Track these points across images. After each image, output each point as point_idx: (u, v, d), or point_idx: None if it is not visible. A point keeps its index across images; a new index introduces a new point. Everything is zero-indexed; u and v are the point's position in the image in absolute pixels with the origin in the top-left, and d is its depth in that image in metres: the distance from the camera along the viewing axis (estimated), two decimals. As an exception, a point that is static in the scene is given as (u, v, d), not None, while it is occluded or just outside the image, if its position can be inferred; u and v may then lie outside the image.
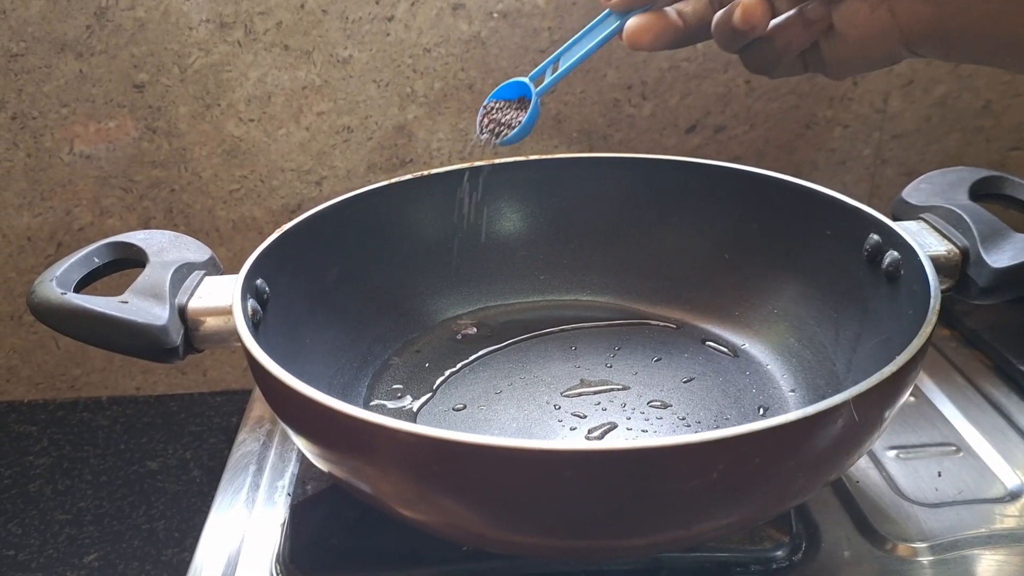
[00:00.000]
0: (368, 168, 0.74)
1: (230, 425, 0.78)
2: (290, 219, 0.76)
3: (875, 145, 0.77)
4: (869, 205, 0.73)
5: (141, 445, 0.76)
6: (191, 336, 0.46)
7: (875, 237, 0.50)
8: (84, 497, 0.71)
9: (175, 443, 0.76)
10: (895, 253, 0.49)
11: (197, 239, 0.75)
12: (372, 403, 0.52)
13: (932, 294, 0.43)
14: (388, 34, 0.69)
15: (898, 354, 0.38)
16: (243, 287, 0.45)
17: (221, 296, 0.47)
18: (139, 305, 0.44)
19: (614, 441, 0.48)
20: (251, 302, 0.46)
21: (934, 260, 0.47)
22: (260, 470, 0.53)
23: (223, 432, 0.78)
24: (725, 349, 0.56)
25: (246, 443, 0.55)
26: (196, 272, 0.49)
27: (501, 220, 0.63)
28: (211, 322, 0.46)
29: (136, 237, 0.50)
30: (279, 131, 0.72)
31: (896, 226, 0.50)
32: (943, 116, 0.76)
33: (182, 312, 0.46)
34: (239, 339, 0.42)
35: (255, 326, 0.46)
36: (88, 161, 0.72)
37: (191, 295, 0.47)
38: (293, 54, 0.70)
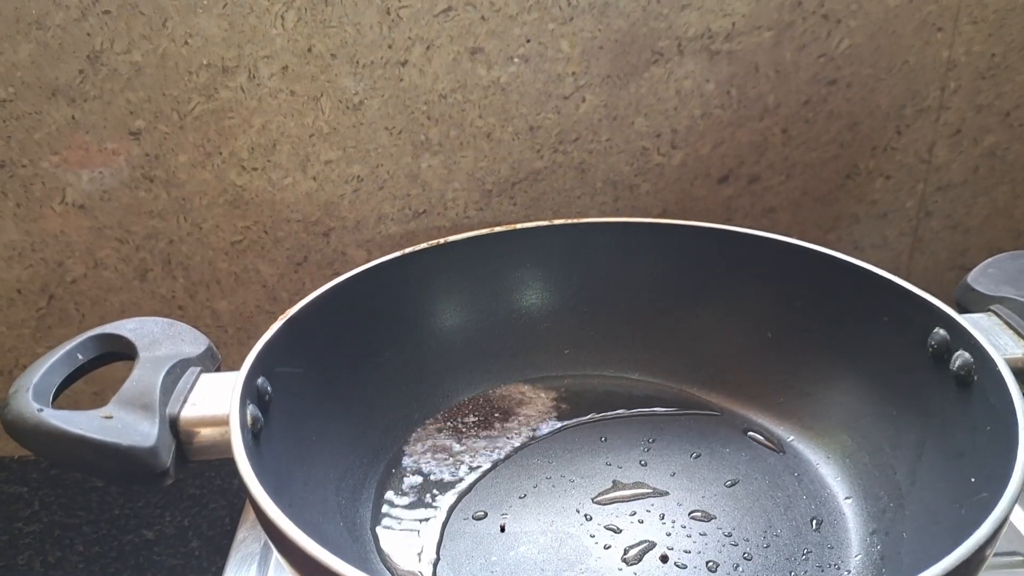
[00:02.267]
0: (379, 219, 0.68)
1: (232, 488, 0.73)
2: (296, 272, 0.71)
3: (919, 197, 0.72)
4: (911, 259, 0.67)
5: (137, 511, 0.71)
6: (184, 450, 0.41)
7: (941, 332, 0.45)
8: (75, 571, 0.66)
9: (173, 508, 0.71)
10: (966, 355, 0.43)
11: (196, 290, 0.71)
12: (384, 516, 0.46)
13: (1018, 415, 0.37)
14: (401, 79, 0.64)
15: (975, 476, 0.32)
16: (242, 393, 0.40)
17: (218, 400, 0.42)
18: (125, 420, 0.39)
19: None
20: (251, 409, 0.41)
21: (1011, 365, 0.41)
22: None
23: (224, 496, 0.72)
24: (770, 443, 0.51)
25: (246, 543, 0.50)
26: (191, 370, 0.43)
27: (523, 289, 0.57)
28: (206, 434, 0.41)
29: (126, 328, 0.45)
30: (284, 180, 0.66)
31: (965, 322, 0.44)
32: (992, 167, 0.70)
33: (174, 424, 0.40)
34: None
35: (255, 437, 0.40)
36: (81, 211, 0.67)
37: (184, 402, 0.41)
38: (300, 100, 0.64)
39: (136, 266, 0.69)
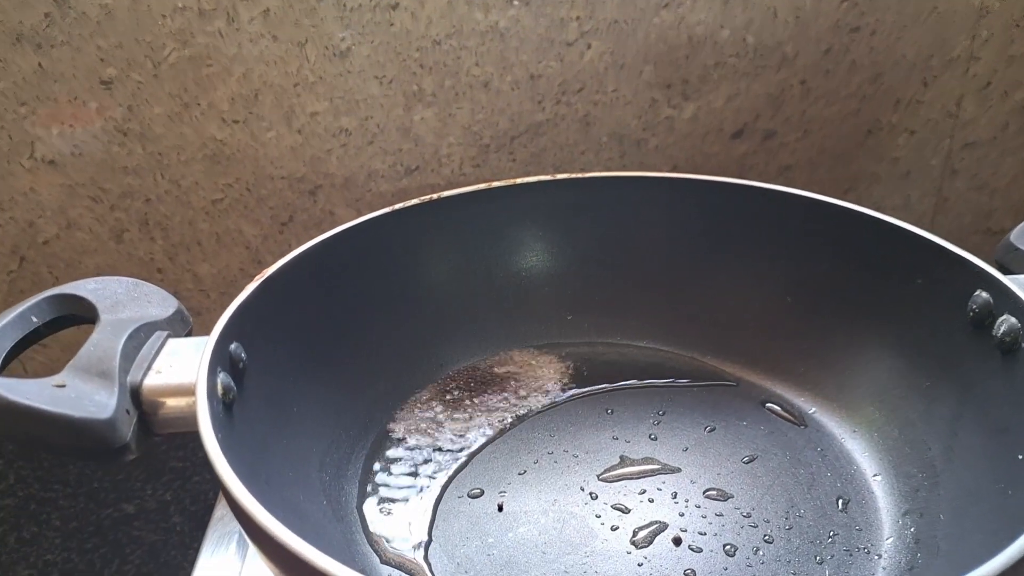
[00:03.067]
0: (368, 176, 0.64)
1: (216, 460, 0.69)
2: (281, 232, 0.67)
3: (944, 155, 0.67)
4: (933, 222, 0.63)
5: (117, 484, 0.67)
6: (147, 422, 0.37)
7: (983, 295, 0.41)
8: (51, 548, 0.62)
9: (154, 482, 0.67)
10: (1012, 320, 0.39)
11: (176, 252, 0.67)
12: (372, 494, 0.42)
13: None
14: (392, 24, 0.59)
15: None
16: (212, 360, 0.36)
17: (186, 368, 0.38)
18: (79, 389, 0.34)
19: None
20: (222, 377, 0.36)
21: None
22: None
23: (209, 468, 0.68)
24: (790, 416, 0.47)
25: (224, 521, 0.46)
26: (157, 334, 0.39)
27: (522, 250, 0.53)
28: (172, 404, 0.37)
29: (86, 288, 0.40)
30: (267, 134, 0.62)
31: (1012, 284, 0.39)
32: (1023, 124, 0.66)
33: (136, 393, 0.36)
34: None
35: (227, 408, 0.36)
36: (52, 167, 0.62)
37: (148, 369, 0.37)
38: (283, 46, 0.59)
39: (112, 227, 0.65)
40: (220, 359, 0.37)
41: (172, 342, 0.39)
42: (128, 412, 0.35)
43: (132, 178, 0.63)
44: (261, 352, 0.40)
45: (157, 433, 0.37)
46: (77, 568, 0.60)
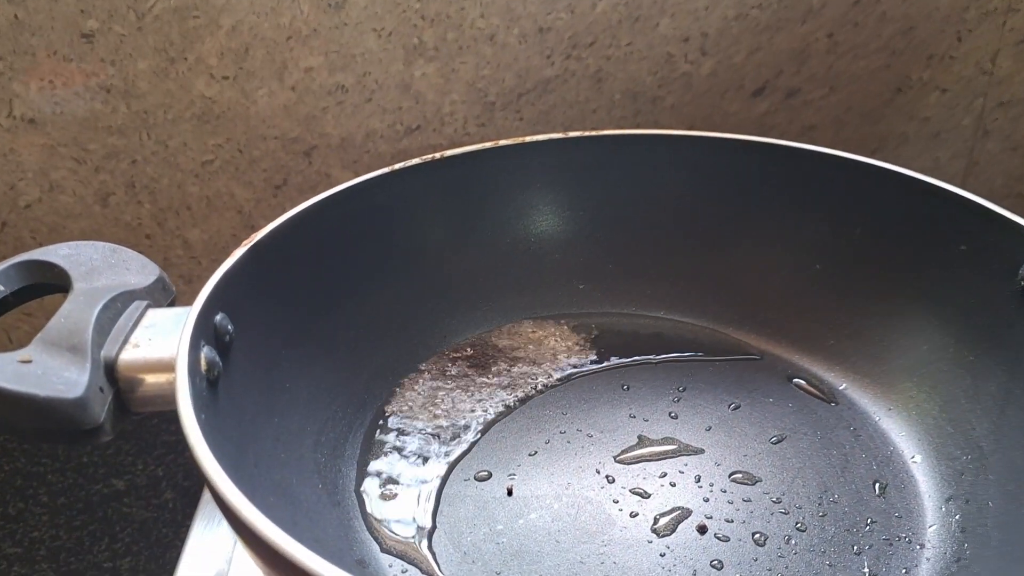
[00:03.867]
0: (367, 136, 0.60)
1: (210, 434, 0.66)
2: (275, 196, 0.63)
3: (977, 114, 0.63)
4: (963, 185, 0.59)
5: (107, 458, 0.64)
6: (124, 400, 0.33)
7: (1036, 262, 0.37)
8: (38, 524, 0.59)
9: (146, 456, 0.64)
10: (1070, 289, 0.35)
11: (164, 217, 0.63)
12: (371, 477, 0.39)
13: None
14: (392, -28, 0.54)
15: None
16: (194, 333, 0.32)
17: (167, 341, 0.34)
18: (47, 365, 0.31)
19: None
20: (206, 351, 0.33)
21: None
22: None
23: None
24: (819, 392, 0.43)
25: (213, 504, 0.43)
26: (136, 304, 0.35)
27: (531, 214, 0.49)
28: (152, 381, 0.33)
29: (58, 254, 0.37)
30: (259, 91, 0.58)
31: (1070, 250, 0.36)
32: (1062, 80, 0.62)
33: (110, 369, 0.33)
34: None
35: (211, 385, 0.33)
36: (32, 126, 0.58)
37: (124, 342, 0.34)
38: (275, -4, 0.55)
39: (96, 189, 0.61)
40: (204, 331, 0.33)
41: (152, 313, 0.35)
42: (102, 390, 0.32)
43: (117, 138, 0.59)
44: (249, 324, 0.37)
45: (136, 412, 0.34)
46: (65, 546, 0.57)
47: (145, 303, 0.36)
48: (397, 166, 0.45)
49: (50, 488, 0.62)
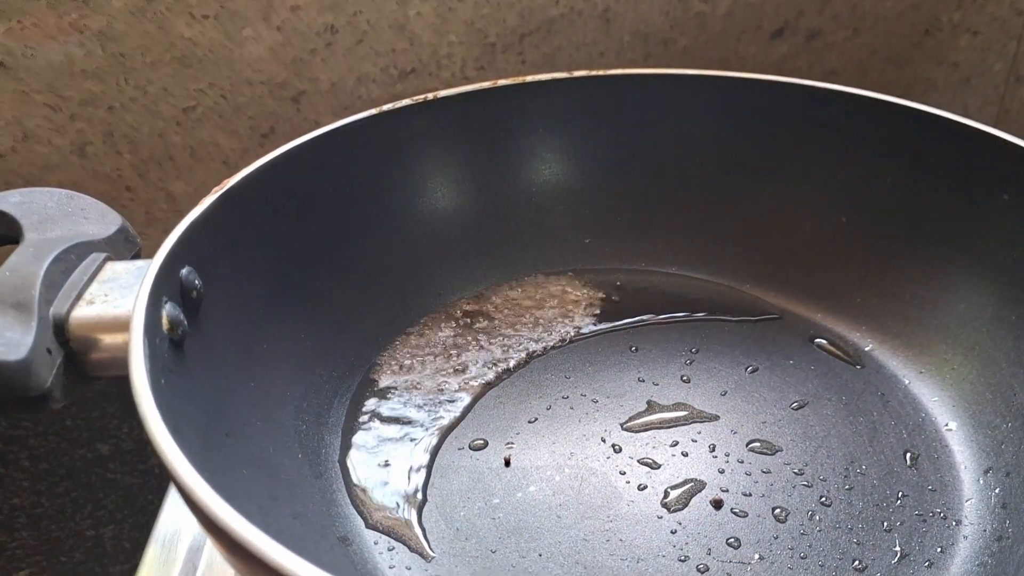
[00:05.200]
0: (358, 80, 0.56)
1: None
2: (262, 145, 0.59)
3: (1010, 59, 0.58)
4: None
5: (92, 421, 0.60)
6: (78, 363, 0.30)
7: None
8: (19, 491, 0.57)
9: (131, 419, 0.61)
10: None
11: (146, 168, 0.59)
12: (357, 446, 0.36)
13: None
14: (383, -100, 0.50)
15: None
16: (153, 287, 0.28)
17: (127, 297, 0.31)
18: (-13, 324, 0.27)
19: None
20: (168, 308, 0.29)
21: None
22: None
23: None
24: (843, 354, 0.39)
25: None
26: (93, 256, 0.32)
27: (534, 163, 0.45)
28: (109, 342, 0.30)
29: (8, 201, 0.33)
30: (243, 32, 0.53)
31: None
32: (1104, 21, 0.57)
33: (60, 328, 0.29)
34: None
35: (175, 346, 0.29)
36: (2, 71, 0.54)
37: (77, 298, 0.30)
38: (257, -73, 0.50)
39: (73, 139, 0.57)
40: (166, 286, 0.30)
41: (111, 266, 0.32)
42: (50, 352, 0.28)
43: (93, 83, 0.55)
44: (222, 279, 0.33)
45: (94, 376, 0.30)
46: (47, 513, 0.54)
47: (104, 255, 0.32)
48: (385, 107, 0.41)
49: (32, 453, 0.59)
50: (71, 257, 0.31)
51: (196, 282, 0.31)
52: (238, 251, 0.34)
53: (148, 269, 0.29)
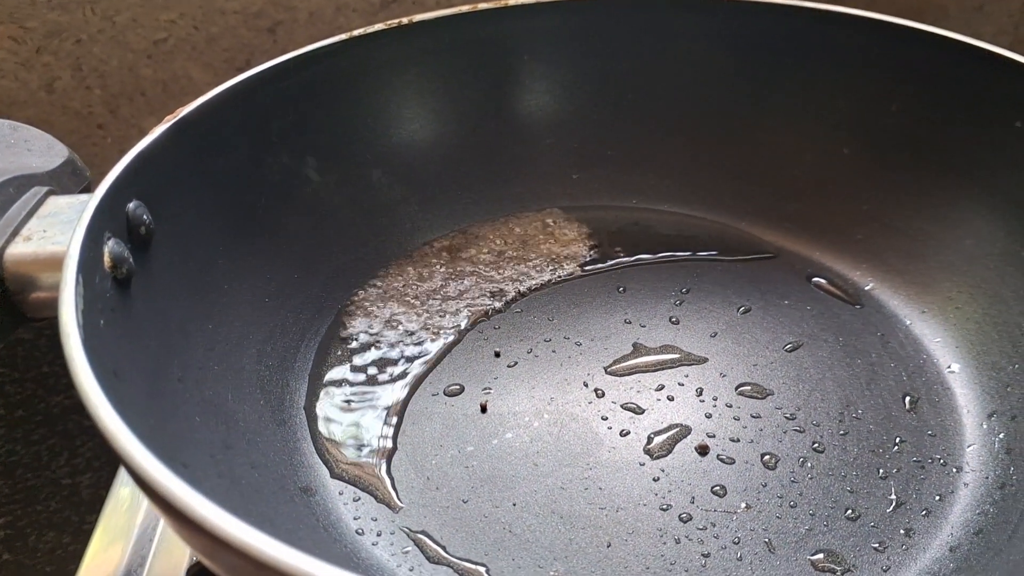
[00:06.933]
0: (337, 9, 0.53)
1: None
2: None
3: (1030, -19, 0.55)
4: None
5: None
6: (14, 302, 0.28)
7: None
8: (-5, 438, 0.55)
9: (111, 365, 0.59)
10: None
11: (117, 104, 0.57)
12: (325, 391, 0.34)
13: None
14: None
15: None
16: (91, 224, 0.26)
17: (68, 233, 0.28)
18: (-87, 261, 0.25)
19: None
20: (111, 244, 0.27)
21: None
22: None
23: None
24: (842, 293, 0.37)
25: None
26: (35, 190, 0.30)
27: (519, 92, 0.42)
28: (48, 280, 0.28)
29: (-56, 131, 0.31)
30: (213, -43, 0.50)
31: None
32: None
33: (-5, 265, 0.27)
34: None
35: (121, 284, 0.27)
36: (-41, -1, 0.52)
37: (13, 234, 0.28)
38: None
39: (40, 73, 0.55)
40: (109, 221, 0.28)
41: (53, 200, 0.30)
42: (-18, 291, 0.26)
43: (58, 14, 0.52)
44: (174, 214, 0.31)
45: (33, 317, 0.28)
46: (22, 461, 0.53)
47: (46, 189, 0.30)
48: (356, 32, 0.38)
49: (7, 399, 0.58)
50: (9, 190, 0.29)
51: (145, 217, 0.29)
52: (193, 184, 0.32)
53: (88, 203, 0.27)
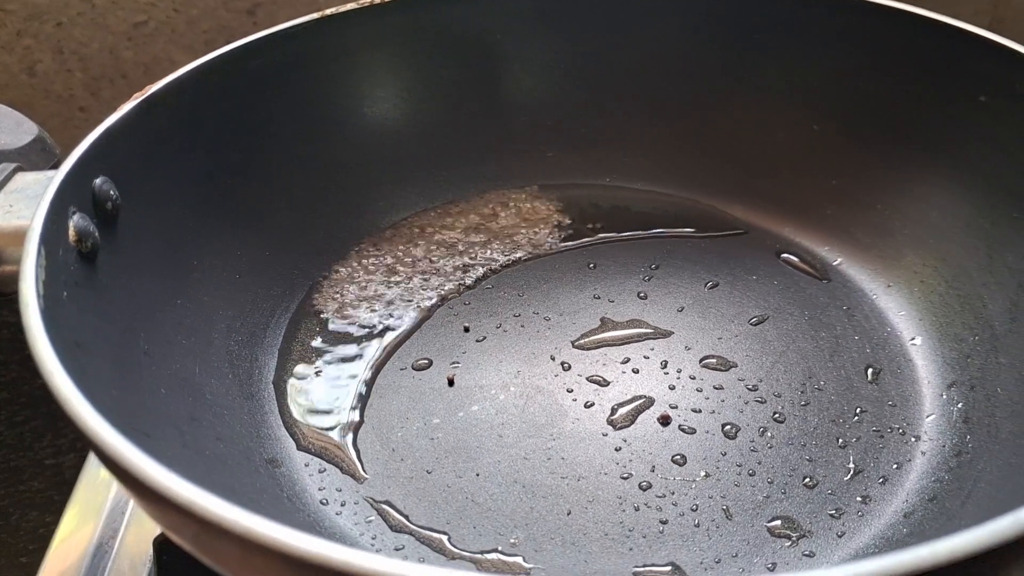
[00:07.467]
0: (318, -9, 0.53)
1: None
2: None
3: (1008, -41, 0.55)
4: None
5: (54, 350, 0.59)
6: (-18, 277, 0.28)
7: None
8: (-20, 419, 0.56)
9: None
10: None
11: (99, 87, 0.57)
12: (294, 365, 0.34)
13: None
14: None
15: None
16: (56, 198, 0.27)
17: (33, 208, 0.29)
18: None
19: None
20: (76, 219, 0.28)
21: None
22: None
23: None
24: (810, 268, 0.38)
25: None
26: (3, 167, 0.30)
27: (494, 70, 0.42)
28: (15, 254, 0.28)
29: (-86, 109, 0.31)
30: (191, -61, 0.51)
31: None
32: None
33: (-40, 240, 0.28)
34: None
35: (86, 259, 0.28)
36: (-62, -18, 0.52)
37: (-20, 209, 0.28)
38: None
39: (21, 56, 0.55)
40: (75, 196, 0.28)
41: (21, 176, 0.30)
42: (-54, 265, 0.27)
43: (37, -4, 0.52)
44: (143, 190, 0.31)
45: (1, 292, 0.29)
46: (5, 442, 0.53)
47: (14, 166, 0.30)
48: (328, 11, 0.38)
49: (-6, 381, 0.58)
50: (-24, 166, 0.29)
51: (112, 193, 0.30)
52: (162, 161, 0.32)
53: (53, 178, 0.28)
